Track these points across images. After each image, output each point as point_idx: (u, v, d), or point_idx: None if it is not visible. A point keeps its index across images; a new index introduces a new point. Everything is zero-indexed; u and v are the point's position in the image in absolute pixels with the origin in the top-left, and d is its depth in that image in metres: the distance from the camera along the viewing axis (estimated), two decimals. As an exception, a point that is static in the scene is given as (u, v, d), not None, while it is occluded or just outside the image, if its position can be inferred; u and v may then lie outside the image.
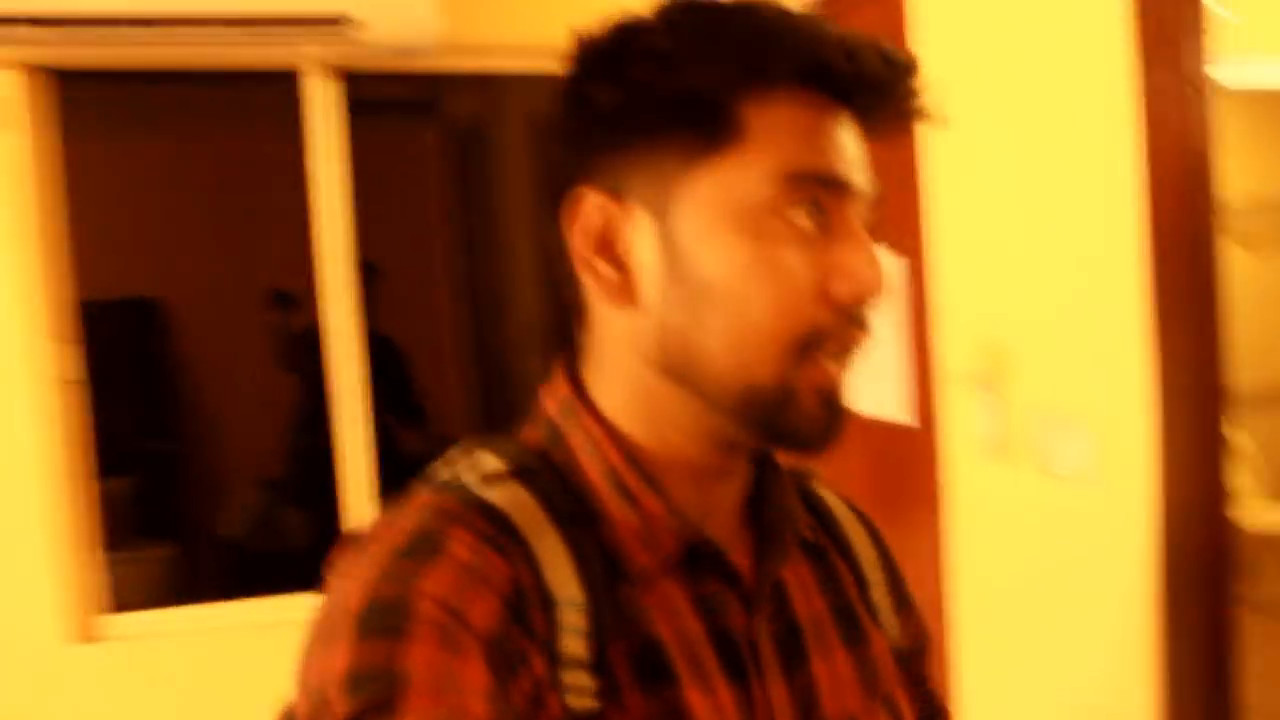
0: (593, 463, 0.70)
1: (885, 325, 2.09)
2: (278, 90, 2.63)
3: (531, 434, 0.74)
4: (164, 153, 4.38)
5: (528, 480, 0.68)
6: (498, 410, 4.22)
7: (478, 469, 0.69)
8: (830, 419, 0.67)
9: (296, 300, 4.09)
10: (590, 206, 0.68)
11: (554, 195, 0.70)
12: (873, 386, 2.16)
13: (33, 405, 2.44)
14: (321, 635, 0.60)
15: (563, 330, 0.76)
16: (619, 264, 0.68)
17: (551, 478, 0.70)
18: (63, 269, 2.50)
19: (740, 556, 0.74)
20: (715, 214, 0.65)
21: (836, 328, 0.66)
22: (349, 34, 2.37)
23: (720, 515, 0.74)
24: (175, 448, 4.63)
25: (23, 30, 2.19)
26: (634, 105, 0.67)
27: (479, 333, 4.37)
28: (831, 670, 0.75)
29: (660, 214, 0.66)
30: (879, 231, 0.69)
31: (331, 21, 2.34)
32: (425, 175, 4.44)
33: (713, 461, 0.72)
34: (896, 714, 0.79)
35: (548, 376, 0.75)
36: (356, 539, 0.66)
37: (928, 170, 1.90)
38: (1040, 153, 1.65)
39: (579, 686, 0.63)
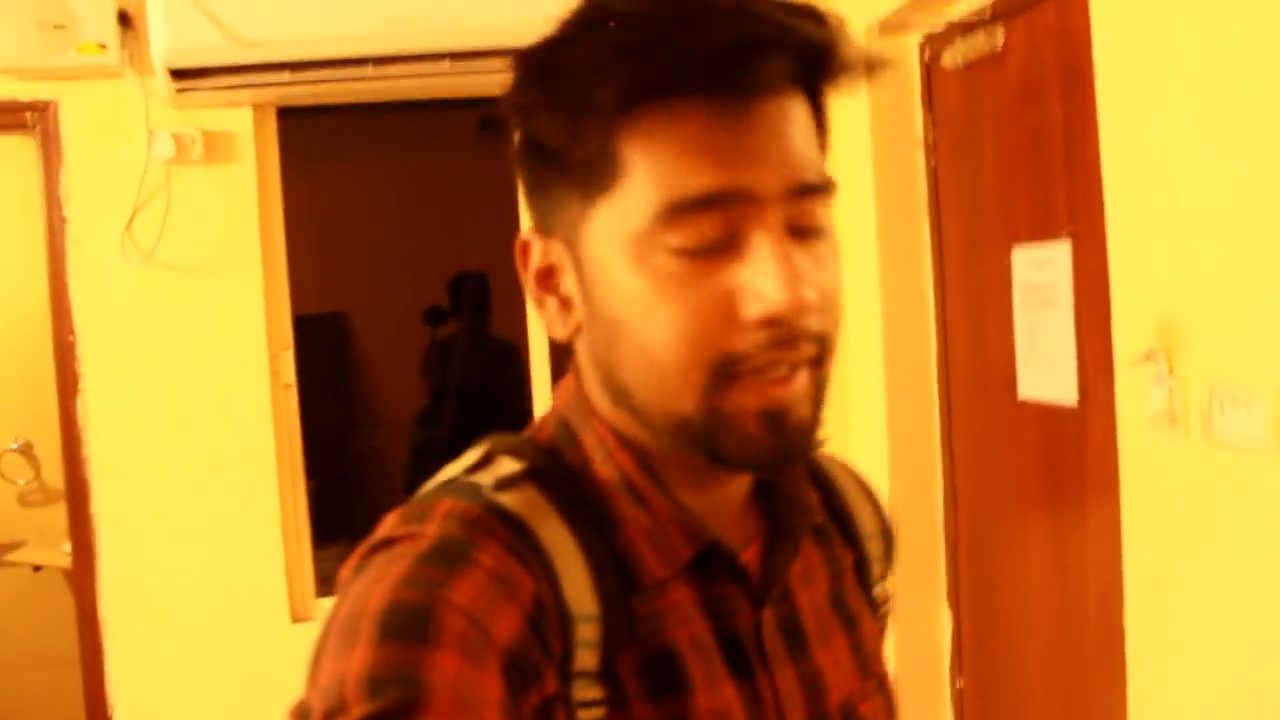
0: (605, 465, 0.70)
1: (1053, 307, 2.17)
2: (473, 116, 2.83)
3: (546, 430, 0.73)
4: (361, 177, 4.74)
5: (543, 483, 0.68)
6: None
7: (495, 472, 0.68)
8: (776, 440, 0.64)
9: (446, 315, 4.56)
10: (531, 248, 0.70)
11: None
12: (1042, 369, 2.24)
13: (261, 408, 2.71)
14: (340, 634, 0.58)
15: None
16: (563, 300, 0.69)
17: (566, 480, 0.69)
18: (284, 284, 2.78)
19: (748, 551, 0.73)
20: (611, 249, 0.64)
21: (755, 349, 0.62)
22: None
23: (728, 512, 0.73)
24: (359, 448, 5.03)
25: (265, 76, 2.47)
26: (524, 157, 0.69)
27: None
28: (832, 656, 0.76)
29: (574, 251, 0.67)
30: (824, 217, 0.65)
31: None
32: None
33: (710, 467, 0.69)
34: (886, 692, 0.80)
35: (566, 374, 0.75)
36: (374, 542, 0.65)
37: (1106, 151, 1.92)
38: (1218, 132, 1.67)
39: (587, 699, 0.63)
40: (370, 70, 2.54)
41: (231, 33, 2.39)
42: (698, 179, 0.61)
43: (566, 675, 0.63)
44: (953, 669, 2.71)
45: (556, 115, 0.64)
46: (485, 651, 0.58)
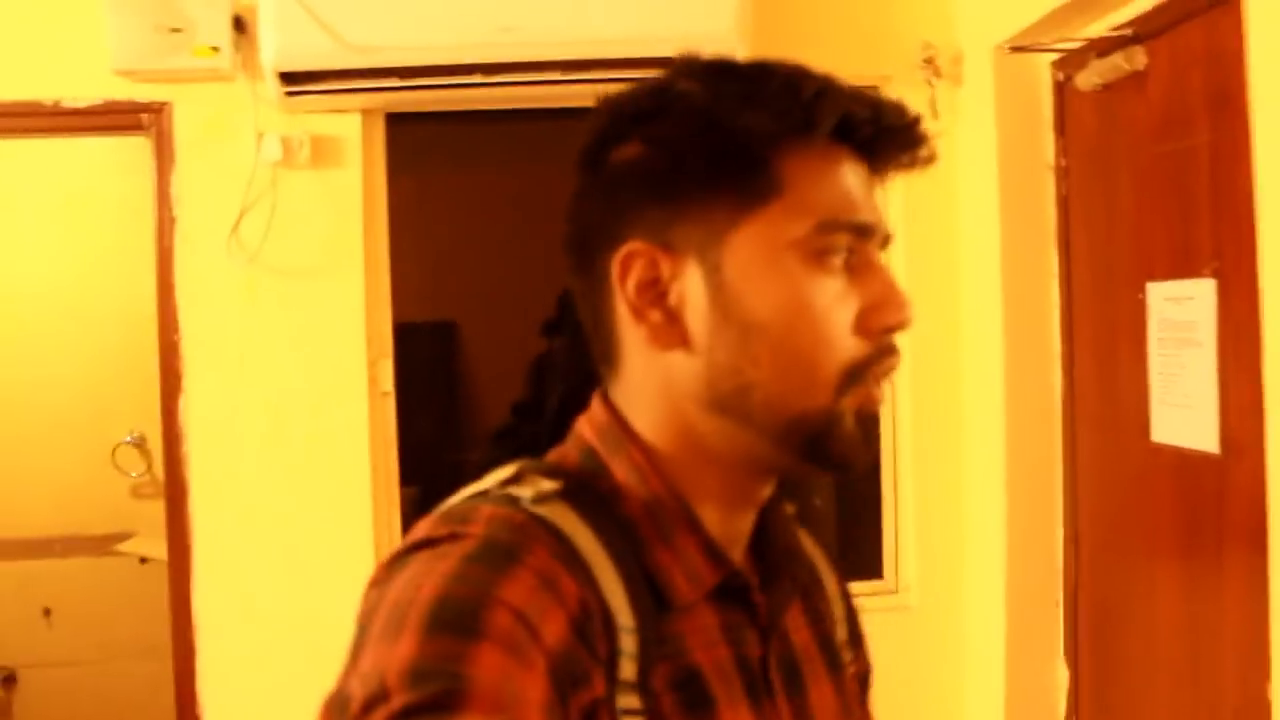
0: (637, 491, 0.74)
1: (1194, 348, 2.01)
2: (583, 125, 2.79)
3: (571, 458, 0.77)
4: (472, 185, 4.73)
5: (577, 502, 0.71)
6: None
7: (531, 487, 0.71)
8: (867, 440, 0.73)
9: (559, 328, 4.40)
10: (644, 259, 0.73)
11: (588, 248, 0.76)
12: (1179, 412, 2.08)
13: (358, 415, 2.68)
14: (386, 624, 0.60)
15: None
16: (669, 312, 0.73)
17: (598, 502, 0.72)
18: (385, 291, 2.75)
19: (755, 590, 0.78)
20: (761, 260, 0.71)
21: (874, 357, 0.72)
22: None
23: (739, 544, 0.78)
24: (460, 459, 4.99)
25: (373, 81, 2.45)
26: (679, 163, 0.73)
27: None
28: (821, 696, 0.81)
29: (711, 263, 0.72)
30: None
31: (658, 63, 2.46)
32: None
33: (743, 494, 0.77)
34: None
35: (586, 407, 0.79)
36: (413, 542, 0.67)
37: (1262, 183, 1.80)
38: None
39: (629, 708, 0.66)
40: (479, 78, 2.50)
41: (341, 38, 2.38)
42: (844, 210, 0.72)
43: (612, 680, 0.65)
44: (1069, 728, 2.54)
45: (746, 126, 0.71)
46: (532, 651, 0.60)
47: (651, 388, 0.75)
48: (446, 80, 2.49)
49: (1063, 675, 2.55)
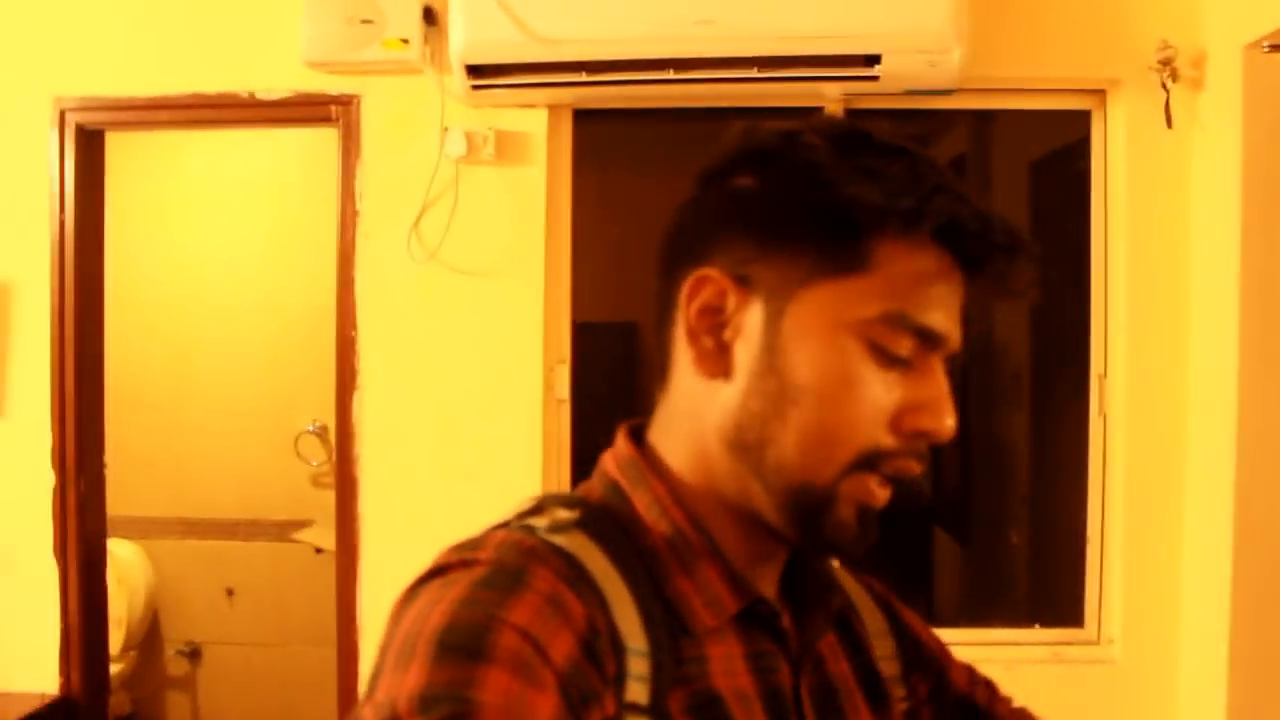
0: (658, 523, 0.75)
1: None
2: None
3: (595, 491, 0.78)
4: (659, 185, 4.65)
5: (594, 531, 0.71)
6: (962, 463, 4.03)
7: (549, 517, 0.72)
8: (862, 533, 0.73)
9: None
10: (715, 287, 0.74)
11: (675, 260, 0.77)
12: None
13: (532, 420, 2.61)
14: (398, 654, 0.60)
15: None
16: (721, 343, 0.74)
17: (617, 532, 0.73)
18: (565, 294, 2.67)
19: (785, 618, 0.78)
20: (824, 325, 0.71)
21: (897, 453, 0.72)
22: (875, 72, 2.34)
23: (769, 576, 0.78)
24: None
25: (560, 75, 2.37)
26: (782, 207, 0.73)
27: (955, 375, 4.22)
28: None
29: (776, 309, 0.72)
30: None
31: (866, 61, 2.33)
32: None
33: (761, 536, 0.76)
34: None
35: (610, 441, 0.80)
36: (427, 571, 0.67)
37: None
38: None
39: None
40: (672, 74, 2.39)
41: (530, 30, 2.30)
42: (929, 311, 0.71)
43: (620, 702, 0.65)
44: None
45: (855, 198, 0.70)
46: (542, 671, 0.60)
47: (686, 410, 0.77)
48: (637, 76, 2.40)
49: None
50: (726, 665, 0.72)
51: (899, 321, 0.70)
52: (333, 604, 2.73)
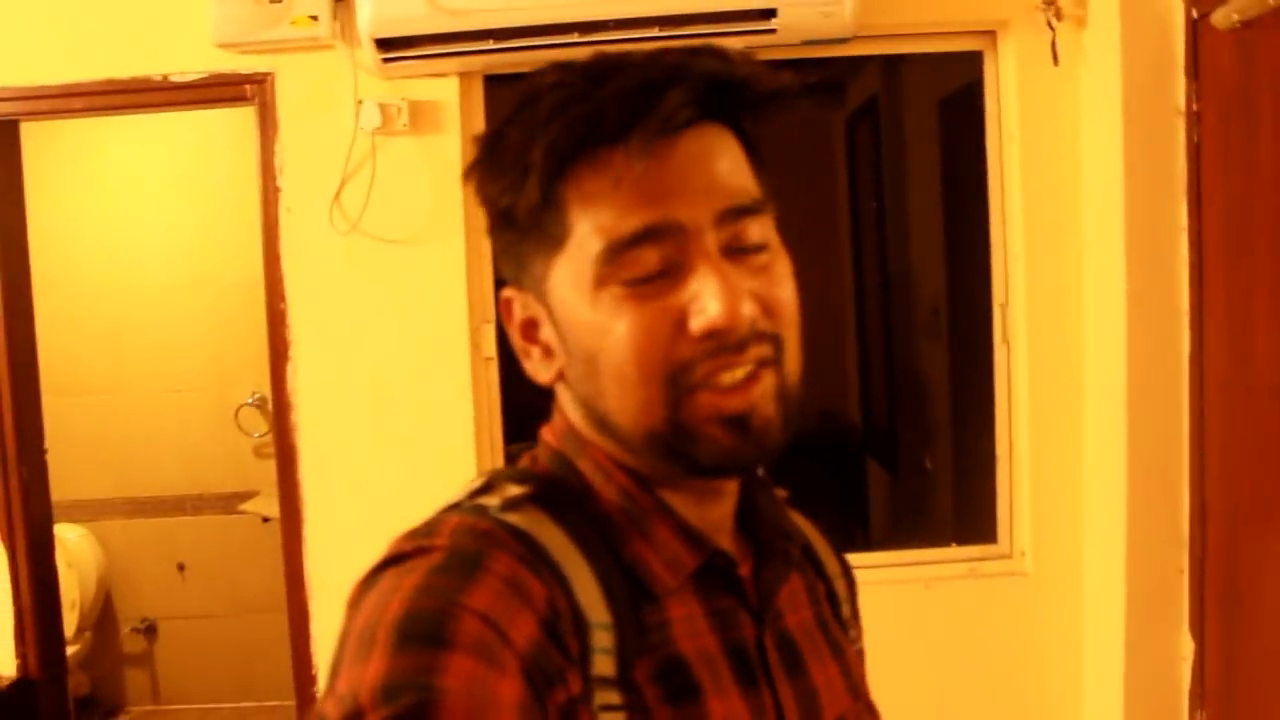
0: (607, 487, 0.75)
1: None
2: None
3: (541, 462, 0.78)
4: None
5: (548, 506, 0.72)
6: (888, 395, 4.17)
7: (499, 495, 0.72)
8: (743, 442, 0.70)
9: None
10: (515, 305, 0.77)
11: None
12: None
13: (461, 380, 2.69)
14: (357, 645, 0.60)
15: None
16: (545, 348, 0.76)
17: (570, 503, 0.73)
18: (486, 255, 2.74)
19: (743, 568, 0.78)
20: (573, 293, 0.71)
21: (702, 356, 0.69)
22: (772, 25, 2.42)
23: (722, 530, 0.78)
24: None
25: (467, 44, 2.42)
26: (491, 225, 0.77)
27: (873, 309, 4.33)
28: (825, 676, 0.80)
29: (546, 305, 0.74)
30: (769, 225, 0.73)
31: (762, 14, 2.41)
32: (831, 156, 4.45)
33: (698, 484, 0.76)
34: (873, 714, 0.86)
35: (549, 417, 0.81)
36: (383, 560, 0.67)
37: None
38: None
39: (608, 704, 0.66)
40: (577, 36, 2.45)
41: (435, 3, 2.35)
42: (630, 219, 0.68)
43: (587, 678, 0.65)
44: (1193, 702, 2.43)
45: (504, 184, 0.72)
46: (503, 654, 0.60)
47: (569, 411, 0.78)
48: (543, 41, 2.45)
49: (1187, 646, 2.43)
50: (689, 627, 0.73)
51: (617, 248, 0.68)
52: (282, 571, 2.81)
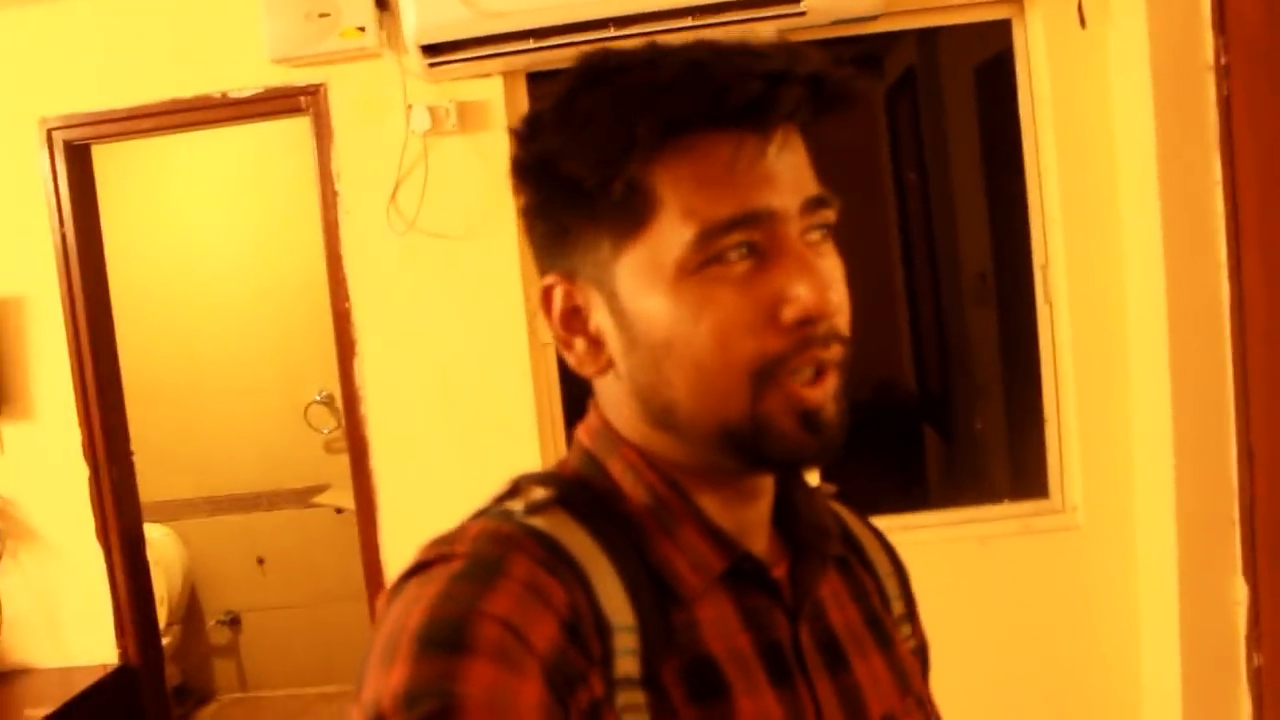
0: (636, 489, 0.74)
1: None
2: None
3: (571, 465, 0.77)
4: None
5: (573, 508, 0.71)
6: (941, 361, 4.22)
7: (524, 498, 0.72)
8: (814, 438, 0.69)
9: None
10: (555, 292, 0.74)
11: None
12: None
13: (521, 366, 2.80)
14: (381, 654, 0.60)
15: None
16: (592, 339, 0.74)
17: (596, 505, 0.72)
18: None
19: (778, 569, 0.77)
20: (650, 279, 0.68)
21: (792, 350, 0.67)
22: (802, 8, 2.50)
23: (755, 531, 0.76)
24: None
25: (509, 45, 2.52)
26: (542, 208, 0.73)
27: (922, 278, 4.37)
28: (871, 672, 0.78)
29: (608, 291, 0.71)
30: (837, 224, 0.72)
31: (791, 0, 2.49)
32: (872, 129, 4.49)
33: (736, 486, 0.74)
34: (928, 712, 0.83)
35: (585, 415, 0.79)
36: (409, 569, 0.68)
37: None
38: None
39: (633, 704, 0.65)
40: (613, 30, 2.54)
41: (476, 6, 2.45)
42: (728, 205, 0.66)
43: (609, 681, 0.65)
44: (1250, 645, 2.47)
45: (592, 158, 0.67)
46: (524, 659, 0.60)
47: (613, 406, 0.76)
48: (581, 37, 2.54)
49: (1241, 592, 2.47)
50: (720, 627, 0.71)
51: (711, 234, 0.66)
52: (358, 560, 2.93)
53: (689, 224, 0.67)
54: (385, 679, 0.58)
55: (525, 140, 0.72)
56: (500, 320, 2.79)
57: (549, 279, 0.74)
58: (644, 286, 0.69)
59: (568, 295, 0.73)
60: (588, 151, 0.67)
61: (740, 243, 0.67)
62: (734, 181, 0.67)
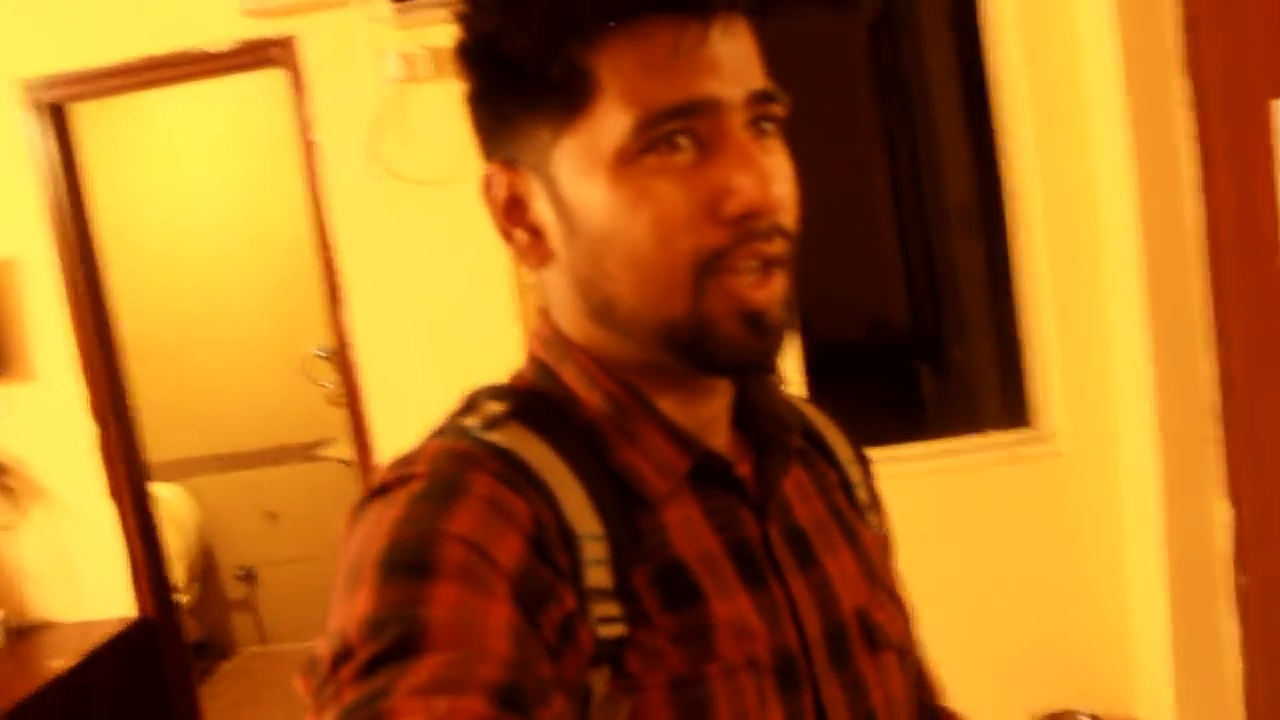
0: (591, 395, 0.72)
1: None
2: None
3: (524, 376, 0.76)
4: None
5: (530, 420, 0.70)
6: (931, 296, 4.21)
7: (480, 414, 0.71)
8: (758, 340, 0.67)
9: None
10: (495, 181, 0.72)
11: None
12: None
13: (506, 306, 2.83)
14: (345, 582, 0.59)
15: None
16: (533, 229, 0.72)
17: (553, 415, 0.71)
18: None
19: (742, 466, 0.76)
20: (589, 167, 0.66)
21: (733, 244, 0.65)
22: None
23: (715, 428, 0.75)
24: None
25: None
26: (484, 91, 0.71)
27: (910, 215, 4.36)
28: (840, 565, 0.78)
29: (547, 178, 0.69)
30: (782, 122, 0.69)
31: None
32: (856, 65, 4.46)
33: (692, 382, 0.73)
34: (896, 601, 0.82)
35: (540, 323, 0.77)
36: (369, 492, 0.66)
37: None
38: None
39: (607, 615, 0.64)
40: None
41: (440, -51, 2.46)
42: (670, 92, 0.64)
43: (580, 593, 0.64)
44: (1236, 566, 2.49)
45: (532, 37, 0.65)
46: (491, 576, 0.59)
47: (558, 300, 0.75)
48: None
49: (1225, 512, 2.49)
50: (687, 529, 0.71)
51: (651, 121, 0.65)
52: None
53: (629, 110, 0.65)
54: (350, 607, 0.57)
55: (467, 21, 0.70)
56: (485, 263, 2.81)
57: (489, 167, 0.73)
58: (583, 174, 0.67)
59: (509, 184, 0.72)
60: (528, 31, 0.65)
61: (681, 130, 0.65)
62: (676, 68, 0.64)
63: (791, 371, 2.79)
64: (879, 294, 4.34)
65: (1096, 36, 2.52)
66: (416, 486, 0.64)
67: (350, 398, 2.94)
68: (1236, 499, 2.47)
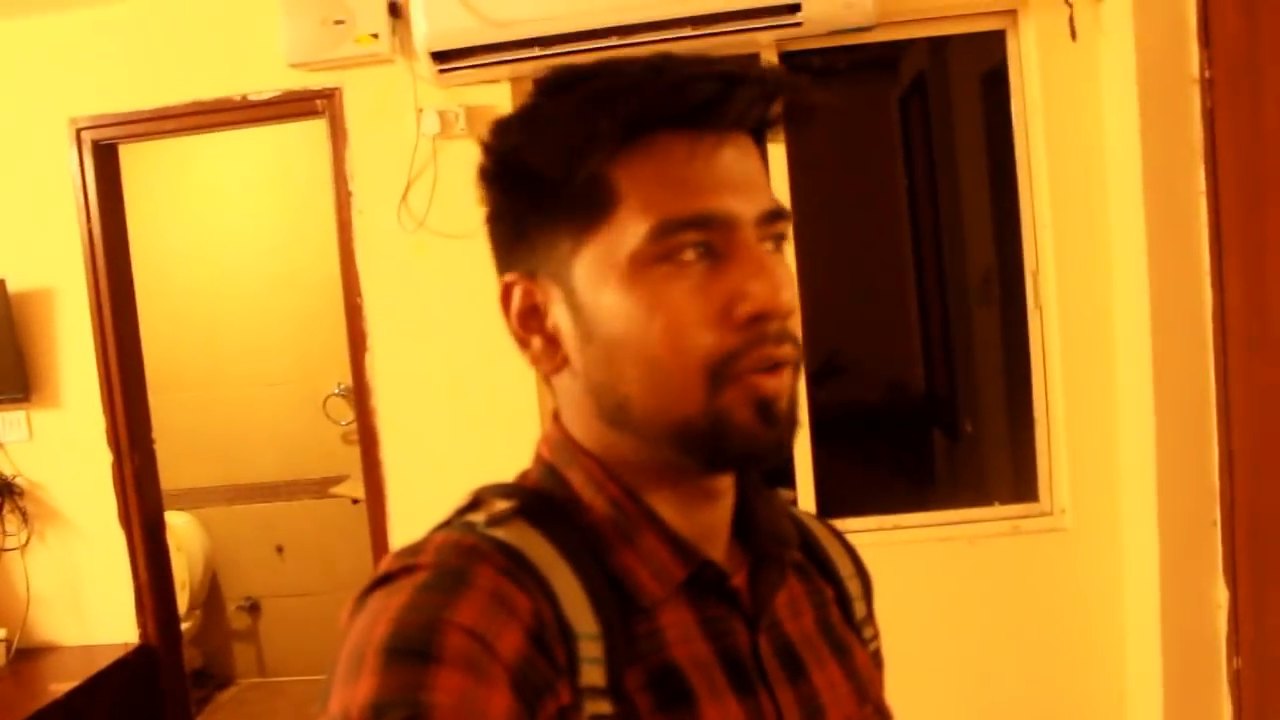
0: (595, 499, 0.73)
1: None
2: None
3: (532, 476, 0.77)
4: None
5: (535, 519, 0.71)
6: (947, 366, 4.26)
7: (486, 510, 0.72)
8: (769, 430, 0.69)
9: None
10: (515, 290, 0.74)
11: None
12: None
13: (526, 363, 2.88)
14: (347, 666, 0.60)
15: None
16: (549, 337, 0.74)
17: (557, 516, 0.72)
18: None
19: (737, 577, 0.77)
20: (605, 274, 0.69)
21: (746, 347, 0.68)
22: (798, 19, 2.58)
23: (714, 538, 0.76)
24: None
25: (516, 53, 2.62)
26: (503, 208, 0.74)
27: (933, 280, 4.41)
28: (828, 680, 0.79)
29: (566, 287, 0.71)
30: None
31: (788, 9, 2.57)
32: (889, 134, 4.54)
33: (692, 490, 0.74)
34: (884, 718, 0.83)
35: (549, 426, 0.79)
36: (372, 581, 0.67)
37: None
38: None
39: (599, 713, 0.65)
40: (615, 40, 2.63)
41: (484, 16, 2.56)
42: (687, 203, 0.68)
43: (576, 689, 0.65)
44: (1229, 648, 2.53)
45: (555, 150, 0.69)
46: (491, 667, 0.60)
47: (569, 406, 0.76)
48: (585, 45, 2.64)
49: (1222, 595, 2.53)
50: (681, 634, 0.72)
51: (668, 228, 0.67)
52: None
53: (647, 216, 0.67)
54: (352, 691, 0.58)
55: (492, 143, 0.74)
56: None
57: (509, 277, 0.75)
58: (600, 281, 0.69)
59: (527, 293, 0.74)
60: (551, 146, 0.69)
61: (696, 242, 0.68)
62: (693, 181, 0.68)
63: (801, 440, 2.85)
64: (898, 360, 4.39)
65: (1119, 122, 2.60)
66: (422, 577, 0.65)
67: (366, 439, 2.99)
68: (1233, 582, 2.51)
